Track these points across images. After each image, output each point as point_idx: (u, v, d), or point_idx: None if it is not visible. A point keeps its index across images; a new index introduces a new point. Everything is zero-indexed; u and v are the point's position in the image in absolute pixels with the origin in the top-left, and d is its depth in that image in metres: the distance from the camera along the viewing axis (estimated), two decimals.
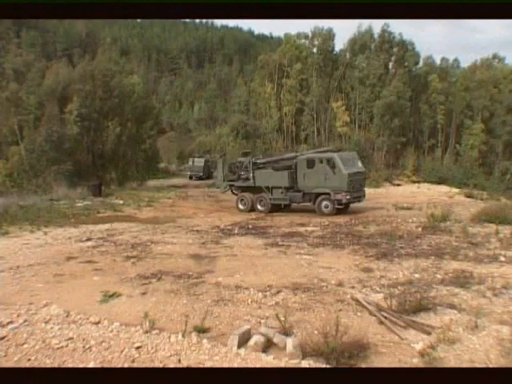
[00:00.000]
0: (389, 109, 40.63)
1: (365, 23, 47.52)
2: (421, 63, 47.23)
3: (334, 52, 48.49)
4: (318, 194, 17.85)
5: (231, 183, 20.88)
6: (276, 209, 19.34)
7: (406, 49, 45.69)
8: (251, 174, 19.62)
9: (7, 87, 33.34)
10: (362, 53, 45.65)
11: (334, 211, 17.43)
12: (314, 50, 48.46)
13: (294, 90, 45.68)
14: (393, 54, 45.49)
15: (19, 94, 33.43)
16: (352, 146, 37.45)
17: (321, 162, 17.84)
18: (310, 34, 48.85)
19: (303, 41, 49.43)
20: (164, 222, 16.59)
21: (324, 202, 17.70)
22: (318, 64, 46.11)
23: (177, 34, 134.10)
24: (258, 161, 20.32)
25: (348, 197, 17.41)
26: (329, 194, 17.49)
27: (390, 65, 45.96)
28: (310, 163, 18.13)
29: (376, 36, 46.57)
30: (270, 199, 19.01)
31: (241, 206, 20.01)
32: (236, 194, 20.92)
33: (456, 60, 49.56)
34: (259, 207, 19.43)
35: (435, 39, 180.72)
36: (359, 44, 46.48)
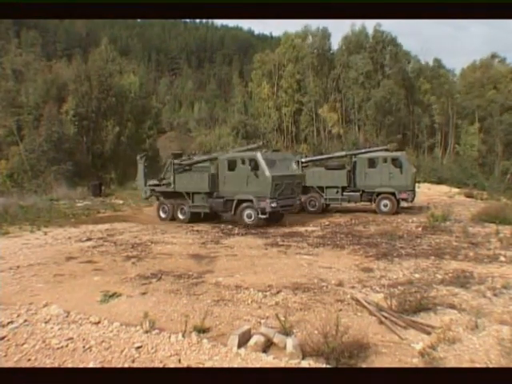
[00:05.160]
0: (380, 107, 40.64)
1: (358, 23, 47.50)
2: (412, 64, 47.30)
3: (331, 51, 48.39)
4: (378, 194, 17.57)
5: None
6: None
7: (398, 48, 45.69)
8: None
9: (2, 87, 33.32)
10: (358, 52, 45.64)
11: (393, 210, 17.20)
12: (310, 49, 48.36)
13: (291, 90, 45.64)
14: (386, 54, 45.50)
15: (17, 93, 33.43)
16: (350, 145, 37.44)
17: (384, 161, 17.64)
18: (306, 33, 48.77)
19: (299, 40, 49.29)
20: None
21: (383, 201, 17.43)
22: (313, 63, 46.06)
23: (177, 33, 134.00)
24: (303, 160, 19.66)
25: (413, 195, 17.44)
26: (393, 193, 17.29)
27: (383, 64, 45.98)
28: (372, 162, 17.90)
29: (370, 36, 46.60)
30: (326, 199, 18.34)
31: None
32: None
33: (437, 60, 48.99)
34: (310, 208, 18.42)
35: (478, 40, 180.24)
36: (354, 43, 46.46)
